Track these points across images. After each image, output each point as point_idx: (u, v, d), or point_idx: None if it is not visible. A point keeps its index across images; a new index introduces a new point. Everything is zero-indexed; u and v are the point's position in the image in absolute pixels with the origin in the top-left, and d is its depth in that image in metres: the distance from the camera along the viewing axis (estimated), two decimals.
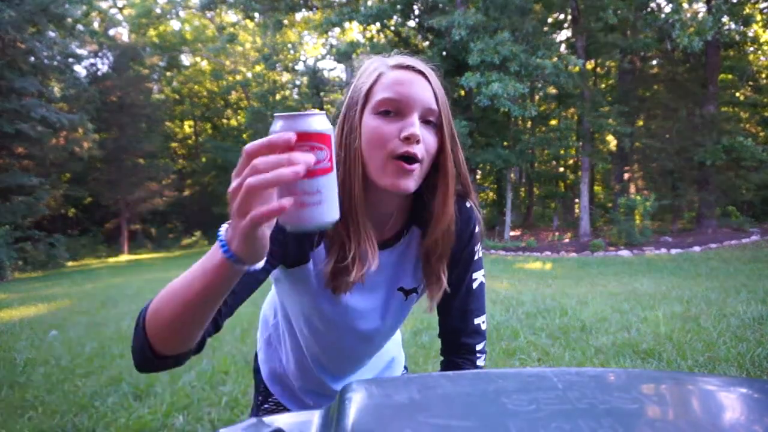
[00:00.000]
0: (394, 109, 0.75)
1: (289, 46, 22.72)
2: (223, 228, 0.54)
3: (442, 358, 1.00)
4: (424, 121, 0.76)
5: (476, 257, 0.93)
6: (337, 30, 17.90)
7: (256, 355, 1.16)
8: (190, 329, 0.62)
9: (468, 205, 0.91)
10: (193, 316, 0.59)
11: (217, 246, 0.53)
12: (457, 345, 0.96)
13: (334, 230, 0.79)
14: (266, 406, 1.10)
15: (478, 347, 0.96)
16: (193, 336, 0.63)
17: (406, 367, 1.23)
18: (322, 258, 0.82)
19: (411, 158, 0.74)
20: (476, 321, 0.95)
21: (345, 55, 13.73)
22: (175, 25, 26.73)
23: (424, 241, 0.85)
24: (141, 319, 0.64)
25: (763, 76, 16.76)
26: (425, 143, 0.76)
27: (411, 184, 0.75)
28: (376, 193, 0.79)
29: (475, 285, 0.94)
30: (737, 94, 16.41)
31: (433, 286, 0.88)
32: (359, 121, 0.77)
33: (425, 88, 0.76)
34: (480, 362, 0.97)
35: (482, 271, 0.96)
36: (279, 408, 1.08)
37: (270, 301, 1.14)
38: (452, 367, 0.97)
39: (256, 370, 1.14)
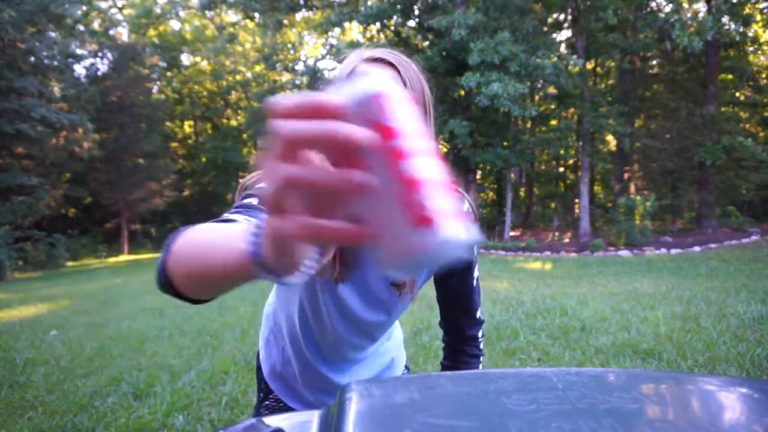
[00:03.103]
0: None
1: (289, 46, 22.73)
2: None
3: (444, 345, 1.09)
4: None
5: (475, 254, 0.98)
6: (337, 30, 17.91)
7: (258, 353, 1.17)
8: (212, 292, 0.52)
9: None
10: (215, 287, 0.50)
11: (247, 232, 0.40)
12: (464, 337, 1.05)
13: None
14: (267, 402, 1.10)
15: (480, 333, 1.06)
16: (219, 293, 0.54)
17: (407, 367, 1.23)
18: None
19: None
20: (478, 314, 1.04)
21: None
22: (175, 25, 26.76)
23: None
24: (166, 253, 0.54)
25: (763, 76, 16.77)
26: None
27: None
28: None
29: (475, 282, 1.00)
30: (737, 94, 16.43)
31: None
32: None
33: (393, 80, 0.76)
34: (482, 345, 1.07)
35: (478, 265, 1.01)
36: (279, 404, 1.09)
37: (271, 300, 1.14)
38: (459, 354, 1.05)
39: (258, 368, 1.15)
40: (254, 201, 0.72)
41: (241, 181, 0.83)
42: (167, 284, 0.54)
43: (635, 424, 0.38)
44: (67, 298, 7.79)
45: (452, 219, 0.31)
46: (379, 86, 0.32)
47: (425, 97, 0.80)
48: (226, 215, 0.66)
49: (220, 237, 0.48)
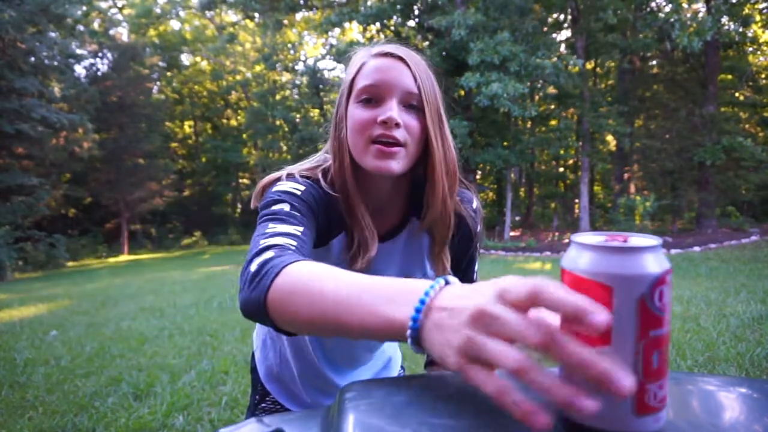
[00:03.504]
0: (374, 96, 0.76)
1: (289, 46, 22.73)
2: (433, 297, 0.42)
3: None
4: (407, 105, 0.77)
5: (478, 251, 0.97)
6: (337, 30, 17.92)
7: (253, 355, 1.17)
8: (326, 336, 0.55)
9: (473, 205, 0.91)
10: (324, 332, 0.52)
11: (408, 306, 0.42)
12: None
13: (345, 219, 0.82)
14: (263, 405, 1.09)
15: None
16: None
17: (403, 367, 1.23)
18: (340, 246, 0.84)
19: (390, 141, 0.75)
20: None
21: (345, 55, 13.74)
22: (175, 25, 26.76)
23: (421, 224, 0.85)
24: (264, 288, 0.55)
25: (763, 76, 16.77)
26: (407, 127, 0.76)
27: (394, 165, 0.75)
28: (369, 179, 0.82)
29: (475, 276, 0.99)
30: (737, 95, 16.42)
31: (439, 274, 0.89)
32: (345, 111, 0.80)
33: (404, 73, 0.77)
34: None
35: (478, 260, 1.00)
36: (276, 407, 1.08)
37: None
38: None
39: (253, 369, 1.14)
40: (285, 207, 0.73)
41: (261, 182, 0.83)
42: (264, 316, 0.56)
43: None
44: (67, 298, 7.78)
45: (665, 411, 0.33)
46: (662, 266, 0.33)
47: (436, 94, 0.80)
48: (275, 227, 0.68)
49: (352, 294, 0.49)
